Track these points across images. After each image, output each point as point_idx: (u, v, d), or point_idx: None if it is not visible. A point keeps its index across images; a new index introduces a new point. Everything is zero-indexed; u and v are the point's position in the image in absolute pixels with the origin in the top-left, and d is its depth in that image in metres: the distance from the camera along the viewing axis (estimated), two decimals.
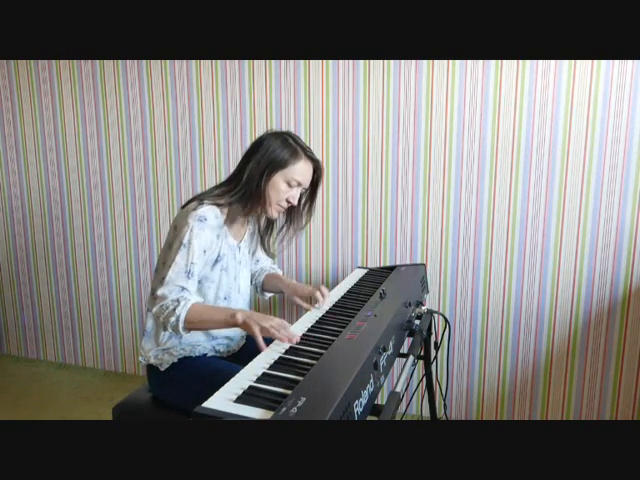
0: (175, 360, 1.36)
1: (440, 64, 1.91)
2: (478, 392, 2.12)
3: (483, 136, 1.91)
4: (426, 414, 2.10)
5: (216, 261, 1.35)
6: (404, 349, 1.79)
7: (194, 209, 1.30)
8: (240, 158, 1.42)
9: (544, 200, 1.90)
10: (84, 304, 2.60)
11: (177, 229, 1.31)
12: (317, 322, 1.31)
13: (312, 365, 1.02)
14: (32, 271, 2.65)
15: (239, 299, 1.47)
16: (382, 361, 1.14)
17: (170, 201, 2.34)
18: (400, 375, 1.25)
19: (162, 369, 1.36)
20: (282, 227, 1.52)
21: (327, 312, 1.39)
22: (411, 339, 1.49)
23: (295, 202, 1.41)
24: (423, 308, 1.62)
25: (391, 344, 1.25)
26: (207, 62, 2.17)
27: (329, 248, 2.17)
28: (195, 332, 1.34)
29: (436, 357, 1.73)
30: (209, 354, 1.42)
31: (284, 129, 1.59)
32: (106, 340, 2.61)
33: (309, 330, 1.25)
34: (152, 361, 1.37)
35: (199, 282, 1.34)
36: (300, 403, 0.84)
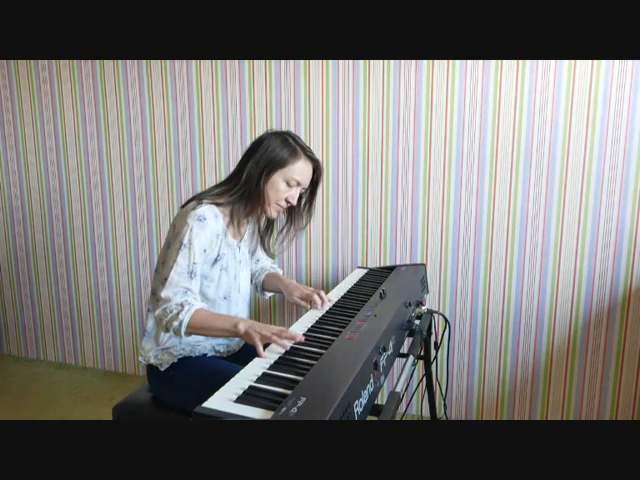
0: (175, 360, 1.36)
1: (440, 64, 1.91)
2: (478, 392, 2.12)
3: (483, 136, 1.91)
4: (426, 414, 2.10)
5: (216, 260, 1.35)
6: (404, 349, 1.79)
7: (193, 209, 1.30)
8: (240, 158, 1.42)
9: (544, 200, 1.90)
10: (84, 304, 2.60)
11: (177, 229, 1.31)
12: (317, 322, 1.31)
13: (312, 365, 1.02)
14: (32, 271, 2.65)
15: (239, 298, 1.47)
16: (382, 361, 1.14)
17: (170, 201, 2.34)
18: (400, 375, 1.25)
19: (162, 369, 1.36)
20: (282, 228, 1.52)
21: (327, 312, 1.39)
22: (411, 339, 1.49)
23: (294, 202, 1.40)
24: (423, 308, 1.62)
25: (391, 344, 1.25)
26: (207, 62, 2.17)
27: (329, 248, 2.17)
28: None
29: (436, 357, 1.73)
30: (209, 354, 1.42)
31: (284, 129, 1.59)
32: (106, 340, 2.61)
33: (309, 330, 1.25)
34: (152, 361, 1.37)
35: None
36: (300, 403, 0.84)
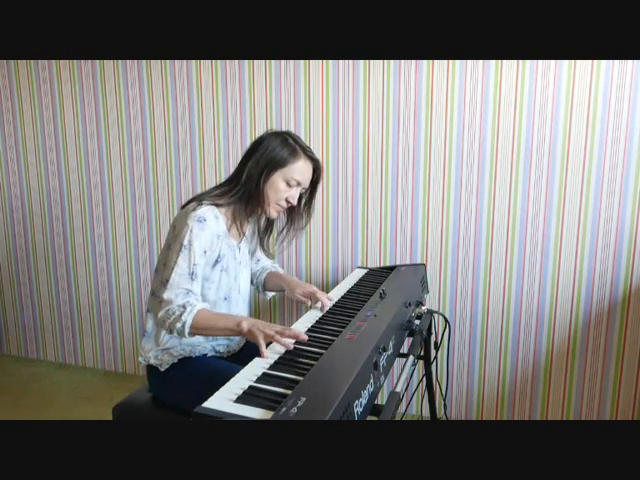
0: (175, 360, 1.36)
1: (440, 64, 1.91)
2: (478, 392, 2.12)
3: (483, 136, 1.91)
4: (426, 414, 2.10)
5: (216, 261, 1.35)
6: (404, 349, 1.80)
7: (193, 210, 1.30)
8: (240, 158, 1.42)
9: (544, 200, 1.90)
10: (84, 304, 2.60)
11: (177, 230, 1.31)
12: (317, 322, 1.31)
13: (312, 365, 1.02)
14: (32, 271, 2.65)
15: (239, 299, 1.46)
16: (382, 361, 1.14)
17: (170, 201, 2.34)
18: (400, 375, 1.25)
19: (162, 369, 1.36)
20: (282, 228, 1.52)
21: (327, 312, 1.39)
22: (411, 339, 1.49)
23: (294, 202, 1.40)
24: (423, 308, 1.62)
25: (391, 344, 1.25)
26: (207, 62, 2.17)
27: (329, 248, 2.17)
28: None
29: (436, 357, 1.73)
30: (209, 354, 1.42)
31: (284, 129, 1.59)
32: (106, 340, 2.61)
33: (309, 330, 1.25)
34: (152, 361, 1.37)
35: None
36: (300, 403, 0.84)
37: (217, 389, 0.93)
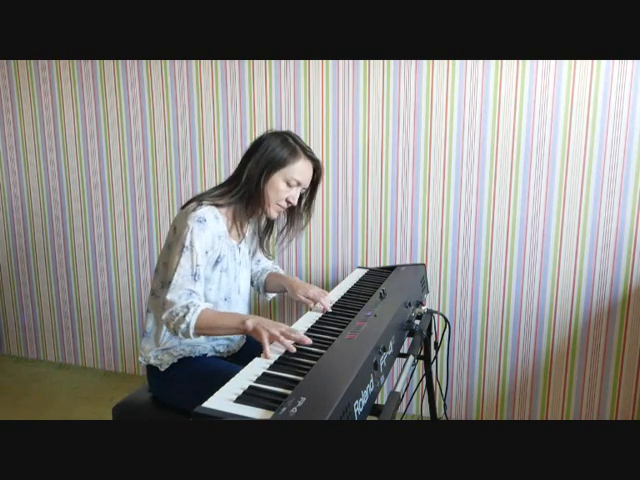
0: (175, 360, 1.36)
1: (440, 64, 1.91)
2: (478, 392, 2.12)
3: (483, 136, 1.91)
4: (426, 414, 2.10)
5: (216, 262, 1.35)
6: (404, 349, 1.79)
7: (193, 210, 1.30)
8: (240, 158, 1.41)
9: (544, 200, 1.90)
10: (84, 304, 2.60)
11: (177, 231, 1.31)
12: (317, 322, 1.31)
13: (312, 365, 1.02)
14: (32, 271, 2.65)
15: (239, 300, 1.46)
16: (382, 361, 1.14)
17: (170, 201, 2.34)
18: (400, 375, 1.25)
19: (162, 369, 1.36)
20: (282, 228, 1.52)
21: (327, 312, 1.39)
22: (411, 339, 1.49)
23: (295, 202, 1.40)
24: (423, 308, 1.62)
25: (391, 344, 1.25)
26: (207, 62, 2.17)
27: (329, 248, 2.17)
28: None
29: (436, 357, 1.73)
30: (209, 354, 1.42)
31: (284, 129, 1.59)
32: (106, 340, 2.61)
33: (309, 330, 1.25)
34: (152, 361, 1.37)
35: None
36: (300, 403, 0.84)
37: (217, 389, 0.93)
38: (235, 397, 0.90)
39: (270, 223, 1.54)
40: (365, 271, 1.88)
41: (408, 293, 1.56)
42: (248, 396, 0.91)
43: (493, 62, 1.86)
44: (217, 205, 1.34)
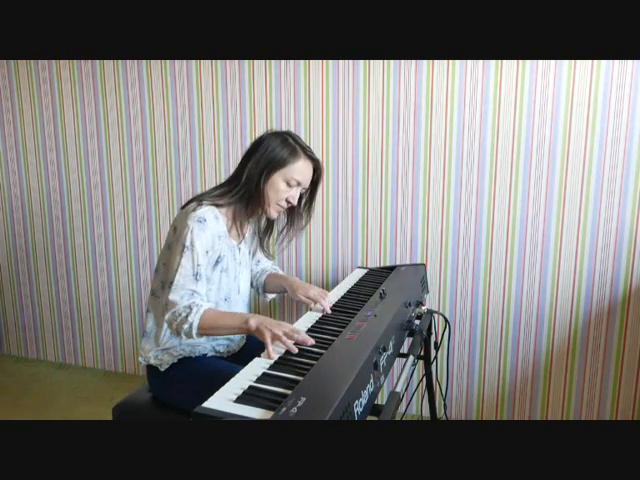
0: (175, 360, 1.36)
1: (440, 64, 1.91)
2: (478, 392, 2.12)
3: (483, 136, 1.91)
4: (426, 414, 2.10)
5: (216, 262, 1.35)
6: (404, 349, 1.79)
7: (193, 210, 1.30)
8: (240, 158, 1.41)
9: (544, 200, 1.90)
10: (84, 304, 2.60)
11: (177, 231, 1.31)
12: (317, 322, 1.31)
13: (312, 365, 1.02)
14: (32, 271, 2.65)
15: (238, 300, 1.46)
16: (382, 361, 1.14)
17: (170, 201, 2.34)
18: (400, 375, 1.25)
19: (162, 369, 1.36)
20: (282, 228, 1.51)
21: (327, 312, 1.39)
22: (411, 339, 1.49)
23: (295, 202, 1.40)
24: (423, 308, 1.62)
25: (391, 344, 1.25)
26: (207, 62, 2.17)
27: (329, 248, 2.17)
28: None
29: (436, 357, 1.73)
30: (209, 354, 1.42)
31: (284, 129, 1.59)
32: (106, 340, 2.61)
33: (309, 330, 1.25)
34: (152, 361, 1.37)
35: None
36: (300, 403, 0.84)
37: (217, 389, 0.93)
38: (235, 397, 0.90)
39: (270, 223, 1.54)
40: (365, 271, 1.88)
41: (408, 293, 1.56)
42: (248, 396, 0.91)
43: (493, 62, 1.86)
44: (217, 205, 1.34)
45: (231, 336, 1.46)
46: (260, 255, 1.61)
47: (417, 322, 1.59)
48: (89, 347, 2.65)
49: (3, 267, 2.70)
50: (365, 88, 2.00)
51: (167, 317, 1.24)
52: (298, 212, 1.49)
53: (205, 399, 0.89)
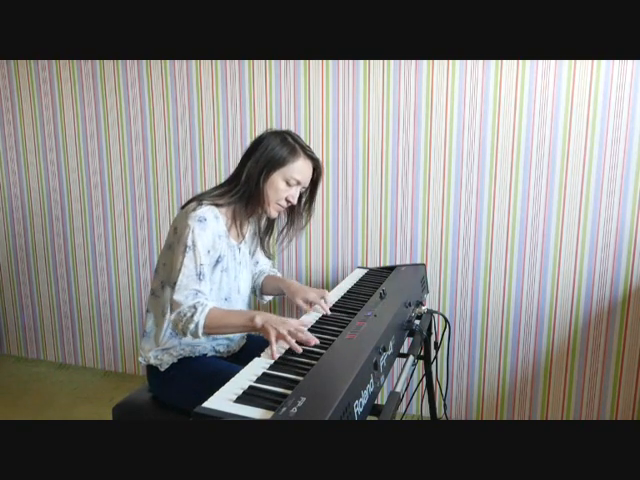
0: (175, 360, 1.36)
1: (440, 64, 1.91)
2: (478, 392, 2.12)
3: (483, 136, 1.91)
4: (426, 414, 2.10)
5: (217, 262, 1.35)
6: (404, 349, 1.79)
7: (193, 210, 1.30)
8: (240, 158, 1.41)
9: (544, 200, 1.90)
10: (84, 304, 2.60)
11: (178, 231, 1.31)
12: (317, 322, 1.31)
13: (312, 365, 1.02)
14: (32, 271, 2.65)
15: (239, 300, 1.46)
16: (382, 361, 1.14)
17: (170, 201, 2.34)
18: (400, 375, 1.25)
19: (162, 369, 1.36)
20: (282, 228, 1.51)
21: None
22: (411, 339, 1.49)
23: (295, 201, 1.40)
24: (423, 308, 1.62)
25: (391, 344, 1.25)
26: (207, 62, 2.17)
27: (329, 248, 2.17)
28: None
29: (436, 357, 1.73)
30: (209, 354, 1.42)
31: (284, 129, 1.59)
32: (106, 340, 2.61)
33: (309, 330, 1.25)
34: (152, 361, 1.37)
35: None
36: (300, 403, 0.84)
37: (217, 389, 0.93)
38: (235, 397, 0.90)
39: (270, 223, 1.54)
40: (365, 271, 1.88)
41: (408, 293, 1.56)
42: (248, 396, 0.91)
43: (493, 62, 1.86)
44: (217, 205, 1.34)
45: (231, 336, 1.46)
46: (258, 256, 1.61)
47: (417, 322, 1.59)
48: (89, 347, 2.65)
49: (3, 267, 2.70)
50: (365, 88, 2.00)
51: (172, 317, 1.25)
52: (298, 211, 1.49)
53: (205, 399, 0.89)
